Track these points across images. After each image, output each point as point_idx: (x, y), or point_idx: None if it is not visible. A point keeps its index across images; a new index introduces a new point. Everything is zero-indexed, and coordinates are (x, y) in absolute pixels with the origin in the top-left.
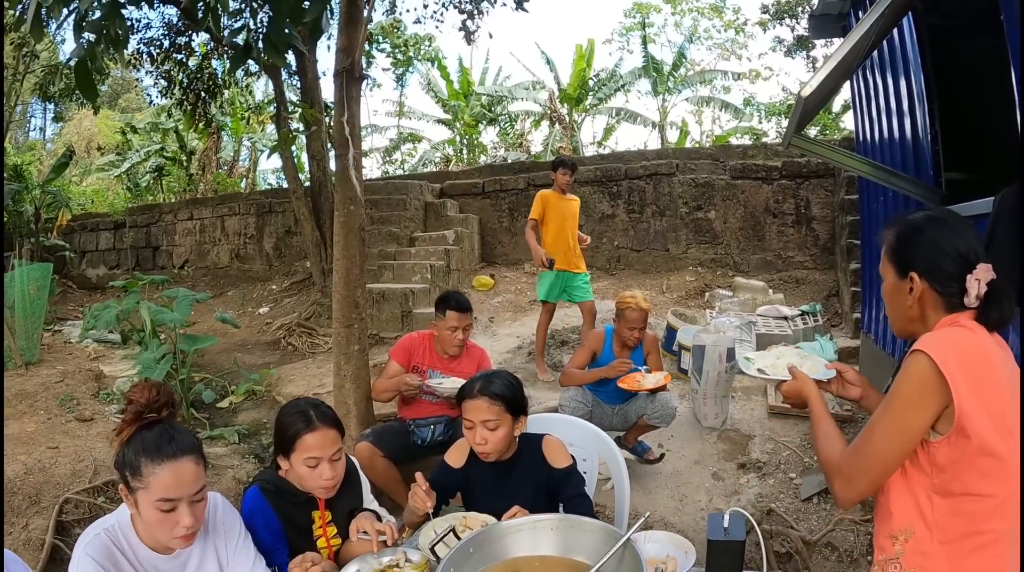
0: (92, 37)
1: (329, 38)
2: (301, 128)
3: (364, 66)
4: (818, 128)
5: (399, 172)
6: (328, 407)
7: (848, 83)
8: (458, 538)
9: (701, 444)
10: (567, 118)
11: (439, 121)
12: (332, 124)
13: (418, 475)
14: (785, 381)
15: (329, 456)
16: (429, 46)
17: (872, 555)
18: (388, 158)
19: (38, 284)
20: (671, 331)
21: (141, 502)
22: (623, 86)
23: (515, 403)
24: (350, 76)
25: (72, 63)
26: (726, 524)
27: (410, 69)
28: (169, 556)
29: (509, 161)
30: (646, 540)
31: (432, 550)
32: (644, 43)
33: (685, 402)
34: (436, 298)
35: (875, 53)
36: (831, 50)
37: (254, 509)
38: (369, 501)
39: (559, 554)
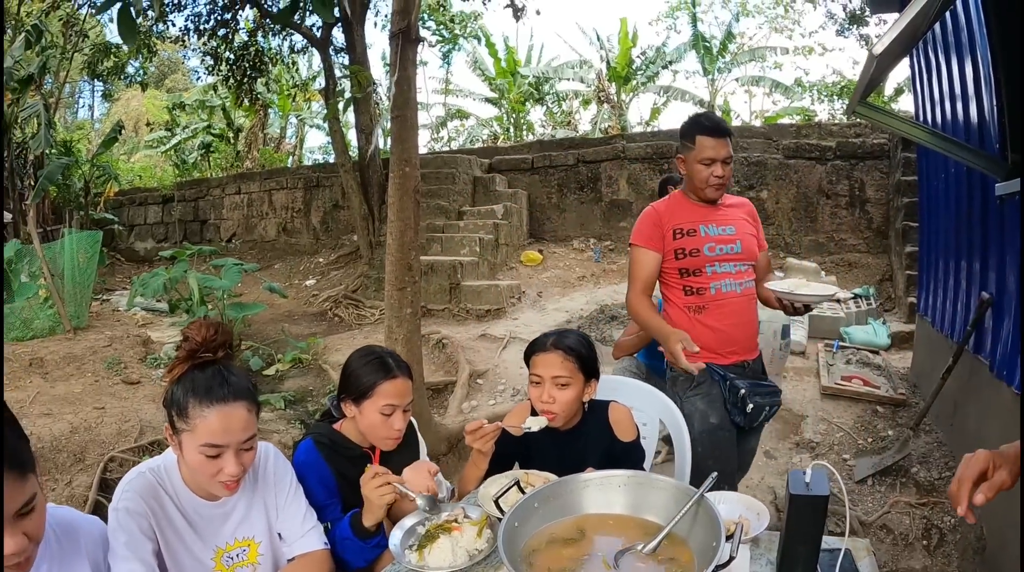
0: None
1: (377, 14)
2: (351, 97)
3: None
4: None
5: (446, 149)
6: (401, 358)
7: (908, 62)
8: (522, 492)
9: None
10: (615, 97)
11: (486, 99)
12: (385, 91)
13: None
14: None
15: (404, 405)
16: (475, 23)
17: (928, 540)
18: (435, 135)
19: (87, 254)
20: None
21: (186, 445)
22: (670, 62)
23: (589, 363)
24: (406, 38)
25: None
26: (808, 479)
27: (456, 47)
28: (214, 503)
29: (558, 137)
30: (717, 501)
31: (496, 503)
32: (693, 21)
33: None
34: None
35: (938, 30)
36: (884, 28)
37: (308, 463)
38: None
39: (629, 512)
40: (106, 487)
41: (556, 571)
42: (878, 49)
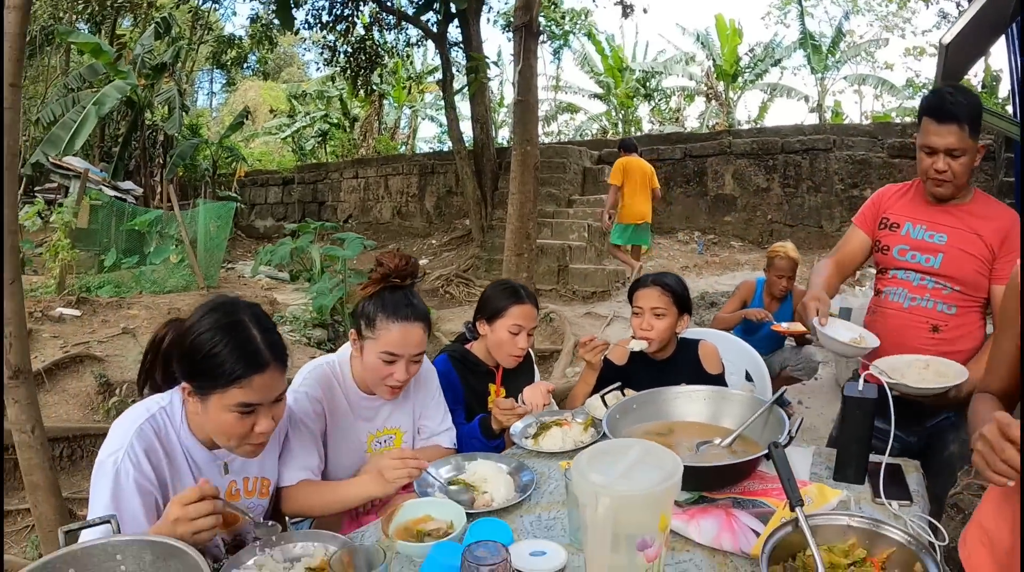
0: None
1: (489, 10)
2: (477, 80)
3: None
4: None
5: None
6: (531, 290)
7: (1009, 64)
8: (623, 395)
9: (839, 405)
10: (723, 95)
11: (594, 95)
12: (497, 84)
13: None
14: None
15: (529, 328)
16: (585, 20)
17: None
18: (545, 129)
19: (218, 223)
20: None
21: (367, 350)
22: (779, 60)
23: (683, 299)
24: (528, 31)
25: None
26: (860, 387)
27: (566, 43)
28: (371, 397)
29: (666, 132)
30: (835, 324)
31: (603, 398)
32: (801, 16)
33: (827, 367)
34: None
35: None
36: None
37: (442, 373)
38: None
39: (710, 421)
40: None
41: None
42: (947, 38)
